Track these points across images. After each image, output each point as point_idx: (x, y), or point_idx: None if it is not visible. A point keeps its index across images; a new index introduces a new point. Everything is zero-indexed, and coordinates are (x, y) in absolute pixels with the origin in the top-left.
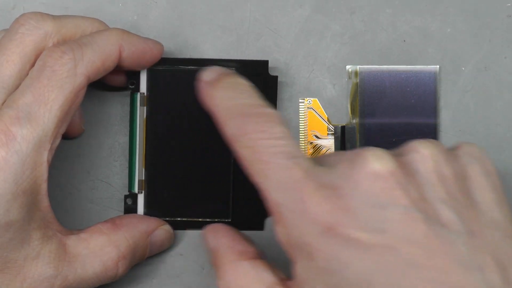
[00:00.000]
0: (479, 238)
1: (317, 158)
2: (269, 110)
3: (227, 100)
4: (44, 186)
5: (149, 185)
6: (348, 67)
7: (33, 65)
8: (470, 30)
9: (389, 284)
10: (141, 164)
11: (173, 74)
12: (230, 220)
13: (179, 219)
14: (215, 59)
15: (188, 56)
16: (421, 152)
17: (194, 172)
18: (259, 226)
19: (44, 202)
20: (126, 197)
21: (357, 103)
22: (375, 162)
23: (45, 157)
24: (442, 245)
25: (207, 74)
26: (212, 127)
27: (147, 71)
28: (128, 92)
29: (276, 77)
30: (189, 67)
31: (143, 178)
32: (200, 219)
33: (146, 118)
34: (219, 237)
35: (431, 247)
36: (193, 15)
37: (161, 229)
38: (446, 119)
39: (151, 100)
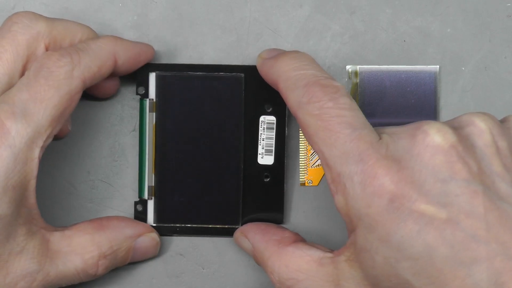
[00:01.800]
0: None
1: (380, 128)
2: (336, 82)
3: (293, 70)
4: (33, 183)
5: (159, 191)
6: (348, 67)
7: (25, 64)
8: (470, 30)
9: (451, 257)
10: (151, 170)
11: (182, 80)
12: (240, 225)
13: (189, 225)
14: (224, 65)
15: (188, 56)
16: (478, 126)
17: (204, 178)
18: None
19: (32, 198)
20: (136, 203)
21: (357, 103)
22: (436, 135)
23: (36, 153)
24: (501, 218)
25: (267, 53)
26: (221, 132)
27: (156, 77)
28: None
29: None
30: (198, 73)
31: (153, 184)
32: (210, 225)
33: (155, 124)
34: (251, 236)
35: (491, 220)
36: (193, 15)
37: (147, 236)
38: (446, 119)
39: (160, 106)
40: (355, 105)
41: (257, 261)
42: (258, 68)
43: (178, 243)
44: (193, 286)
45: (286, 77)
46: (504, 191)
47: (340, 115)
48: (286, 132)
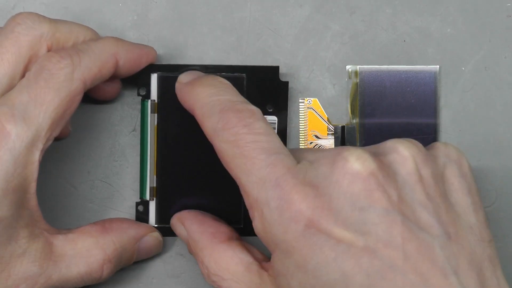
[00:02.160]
0: (456, 241)
1: (299, 152)
2: (251, 106)
3: (208, 97)
4: (33, 185)
5: (161, 192)
6: (348, 67)
7: (26, 66)
8: (470, 30)
9: (367, 286)
10: (153, 171)
11: None
12: (242, 226)
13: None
14: (225, 66)
15: (188, 56)
16: (401, 153)
17: (205, 179)
18: None
19: (33, 201)
20: (137, 204)
21: (357, 103)
22: (355, 162)
23: (36, 156)
24: (420, 248)
25: (185, 77)
26: None
27: (158, 78)
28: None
29: (287, 82)
30: None
31: (155, 185)
32: None
33: (157, 125)
34: (188, 224)
35: (409, 250)
36: (193, 15)
37: (150, 236)
38: (446, 119)
39: (162, 107)
40: (270, 130)
41: (190, 250)
42: (177, 92)
43: (178, 243)
44: (193, 286)
45: (201, 104)
46: (425, 220)
47: (255, 140)
48: (288, 132)
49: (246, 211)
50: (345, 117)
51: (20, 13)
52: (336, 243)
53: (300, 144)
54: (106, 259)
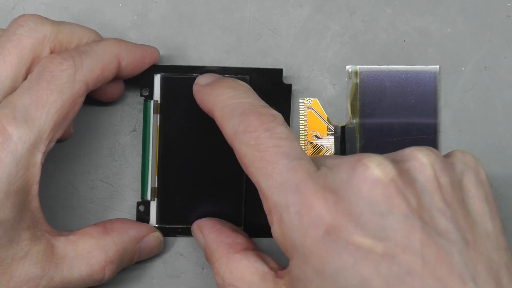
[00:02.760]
0: (474, 248)
1: (319, 159)
2: (272, 111)
3: (229, 99)
4: (35, 187)
5: (162, 193)
6: (348, 67)
7: (29, 68)
8: (470, 30)
9: None
10: (154, 172)
11: (187, 82)
12: (242, 228)
13: (191, 226)
14: (229, 68)
15: (188, 56)
16: (420, 160)
17: (206, 180)
18: (271, 234)
19: (35, 203)
20: (138, 204)
21: (357, 103)
22: (375, 168)
23: (38, 158)
24: (438, 254)
25: (204, 79)
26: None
27: (161, 79)
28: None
29: (290, 85)
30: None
31: (156, 186)
32: None
33: (159, 126)
34: (206, 233)
35: (428, 256)
36: (193, 15)
37: (151, 236)
38: (446, 119)
39: (165, 108)
40: (292, 135)
41: (207, 258)
42: (194, 94)
43: (178, 243)
44: (193, 286)
45: (222, 106)
46: (444, 227)
47: (277, 145)
48: None
49: (246, 213)
50: (345, 117)
51: (23, 15)
52: (355, 249)
53: (300, 144)
54: (108, 260)
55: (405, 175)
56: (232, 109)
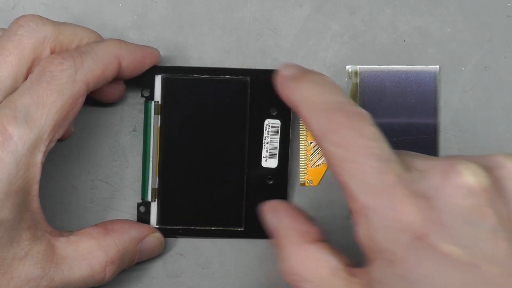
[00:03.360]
0: None
1: (408, 159)
2: (360, 109)
3: (315, 96)
4: (35, 187)
5: (163, 194)
6: (348, 67)
7: (29, 68)
8: (470, 30)
9: None
10: (155, 172)
11: (188, 83)
12: (242, 229)
13: (192, 227)
14: (229, 68)
15: (188, 56)
16: (509, 169)
17: (207, 181)
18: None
19: (35, 203)
20: (139, 205)
21: (357, 103)
22: (470, 176)
23: (39, 158)
24: None
25: (288, 70)
26: (225, 136)
27: (162, 80)
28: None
29: None
30: (204, 76)
31: (156, 186)
32: (212, 228)
33: (160, 127)
34: (280, 216)
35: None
36: (193, 15)
37: (152, 237)
38: (446, 119)
39: (166, 108)
40: (380, 135)
41: (274, 242)
42: (278, 87)
43: (178, 243)
44: (193, 286)
45: (308, 103)
46: None
47: (366, 145)
48: (291, 135)
49: (247, 214)
50: None
51: (24, 16)
52: (442, 257)
53: (300, 144)
54: (109, 261)
55: (496, 184)
56: (318, 107)
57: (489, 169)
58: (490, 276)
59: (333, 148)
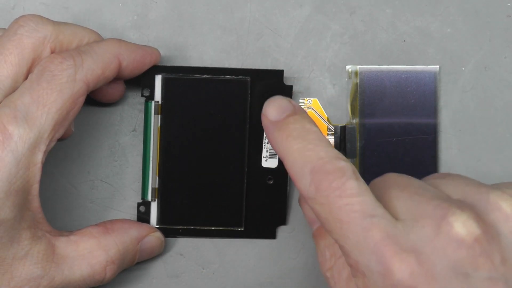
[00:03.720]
0: None
1: (395, 206)
2: (340, 163)
3: (297, 153)
4: (36, 187)
5: (163, 193)
6: (348, 67)
7: (30, 68)
8: (470, 30)
9: None
10: (155, 172)
11: (188, 83)
12: (242, 229)
13: (192, 227)
14: (230, 68)
15: (188, 56)
16: (504, 212)
17: (207, 181)
18: (271, 234)
19: (35, 202)
20: (139, 204)
21: (357, 103)
22: (461, 228)
23: (39, 158)
24: None
25: (272, 111)
26: (225, 135)
27: (162, 79)
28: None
29: (291, 86)
30: (204, 76)
31: (157, 186)
32: (212, 228)
33: (160, 127)
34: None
35: None
36: (193, 15)
37: (152, 236)
38: (446, 119)
39: (166, 108)
40: (363, 188)
41: (319, 234)
42: (264, 128)
43: (178, 243)
44: (193, 286)
45: (290, 161)
46: None
47: (348, 203)
48: None
49: (247, 214)
50: (345, 117)
51: (24, 16)
52: None
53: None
54: (109, 261)
55: (489, 231)
56: (301, 166)
57: (484, 214)
58: None
59: (319, 208)
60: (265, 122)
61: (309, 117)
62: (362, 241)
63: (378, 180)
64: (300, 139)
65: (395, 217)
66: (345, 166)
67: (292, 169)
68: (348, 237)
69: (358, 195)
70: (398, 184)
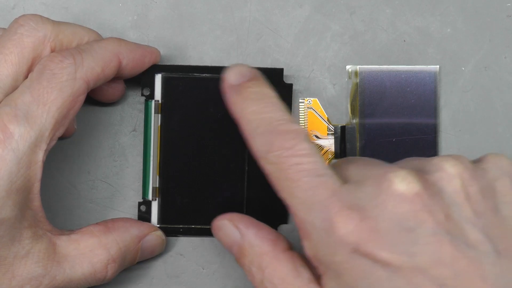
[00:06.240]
0: (508, 257)
1: (343, 170)
2: (294, 126)
3: (253, 114)
4: (37, 186)
5: (163, 192)
6: (348, 67)
7: (30, 67)
8: (470, 30)
9: None
10: (155, 171)
11: (188, 82)
12: None
13: (192, 226)
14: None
15: (188, 56)
16: (447, 171)
17: (208, 179)
18: None
19: (36, 201)
20: (140, 204)
21: (357, 103)
22: (400, 183)
23: (40, 156)
24: (470, 266)
25: (231, 76)
26: (225, 134)
27: (162, 78)
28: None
29: (291, 85)
30: (204, 74)
31: (157, 186)
32: None
33: (160, 126)
34: (243, 228)
35: (459, 268)
36: (193, 15)
37: (153, 235)
38: (446, 119)
39: (166, 107)
40: (314, 150)
41: (241, 254)
42: (223, 92)
43: (179, 243)
44: (193, 286)
45: (246, 121)
46: (474, 237)
47: (298, 162)
48: None
49: (248, 212)
50: (345, 117)
51: (23, 15)
52: (383, 266)
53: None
54: (110, 259)
55: (431, 188)
56: (255, 126)
57: (427, 173)
58: (439, 279)
59: (270, 167)
60: (224, 86)
61: (268, 84)
62: (309, 199)
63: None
64: (258, 102)
65: (345, 181)
66: (299, 129)
67: (246, 129)
68: (296, 195)
69: (308, 155)
70: (351, 158)
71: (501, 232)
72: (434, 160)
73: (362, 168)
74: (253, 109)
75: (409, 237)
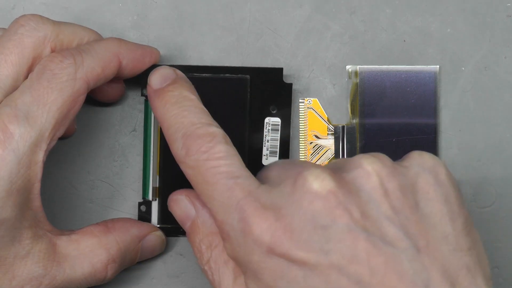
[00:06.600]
0: (427, 253)
1: (264, 173)
2: (211, 129)
3: (173, 118)
4: (37, 186)
5: (163, 192)
6: (348, 67)
7: (30, 67)
8: (470, 30)
9: None
10: (155, 171)
11: None
12: None
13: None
14: (229, 67)
15: (188, 56)
16: (365, 168)
17: None
18: None
19: (36, 201)
20: (140, 204)
21: (357, 103)
22: (314, 181)
23: (40, 157)
24: (387, 263)
25: (154, 80)
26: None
27: None
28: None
29: (291, 84)
30: (204, 74)
31: (157, 185)
32: None
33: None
34: (199, 204)
35: (376, 265)
36: (193, 15)
37: (153, 235)
38: (446, 119)
39: None
40: (231, 152)
41: (193, 230)
42: (148, 96)
43: (179, 243)
44: (193, 286)
45: (167, 125)
46: (392, 234)
47: (215, 165)
48: (291, 133)
49: None
50: (345, 117)
51: (24, 15)
52: (300, 264)
53: (300, 144)
54: (110, 259)
55: (347, 185)
56: (175, 130)
57: (344, 171)
58: (355, 276)
59: (189, 171)
60: (148, 90)
61: (191, 85)
62: (226, 201)
63: None
64: (177, 106)
65: (263, 183)
66: (216, 131)
67: (167, 133)
68: (214, 198)
69: (225, 158)
70: (276, 161)
71: (421, 229)
72: (354, 159)
73: (281, 169)
74: (173, 113)
75: (323, 235)
